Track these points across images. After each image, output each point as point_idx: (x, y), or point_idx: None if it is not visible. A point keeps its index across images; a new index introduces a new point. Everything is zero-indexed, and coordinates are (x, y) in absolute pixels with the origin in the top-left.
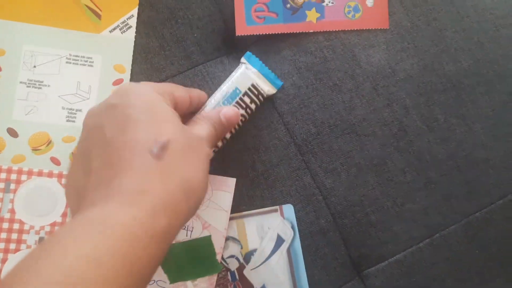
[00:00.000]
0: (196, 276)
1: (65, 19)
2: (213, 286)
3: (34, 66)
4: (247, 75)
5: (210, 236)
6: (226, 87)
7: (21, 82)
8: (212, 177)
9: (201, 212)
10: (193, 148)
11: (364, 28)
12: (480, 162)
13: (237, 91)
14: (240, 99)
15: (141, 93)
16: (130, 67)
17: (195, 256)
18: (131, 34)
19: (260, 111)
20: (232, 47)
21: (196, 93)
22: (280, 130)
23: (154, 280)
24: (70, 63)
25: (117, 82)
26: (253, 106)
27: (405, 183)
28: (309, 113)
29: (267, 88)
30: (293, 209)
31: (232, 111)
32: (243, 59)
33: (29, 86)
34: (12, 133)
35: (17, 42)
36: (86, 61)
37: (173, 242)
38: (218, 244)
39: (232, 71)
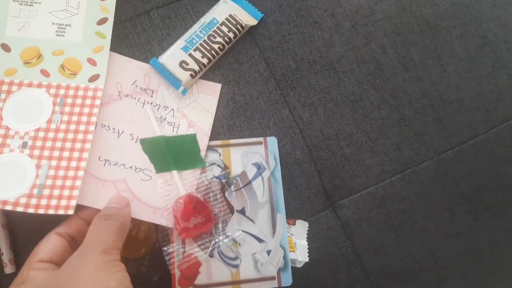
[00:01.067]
0: (181, 169)
1: None
2: (196, 178)
3: None
4: (225, 7)
5: (195, 134)
6: (203, 18)
7: (13, 0)
8: (199, 81)
9: (188, 112)
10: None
11: None
12: (453, 101)
13: (215, 21)
14: (218, 28)
15: None
16: None
17: (180, 151)
18: None
19: (242, 46)
20: None
21: (87, 212)
22: (260, 65)
23: (141, 169)
24: None
25: None
26: (231, 34)
27: (379, 119)
28: (290, 49)
29: (246, 19)
30: (276, 142)
31: (116, 196)
32: None
33: (21, 4)
34: (5, 48)
35: None
36: None
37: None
38: (202, 142)
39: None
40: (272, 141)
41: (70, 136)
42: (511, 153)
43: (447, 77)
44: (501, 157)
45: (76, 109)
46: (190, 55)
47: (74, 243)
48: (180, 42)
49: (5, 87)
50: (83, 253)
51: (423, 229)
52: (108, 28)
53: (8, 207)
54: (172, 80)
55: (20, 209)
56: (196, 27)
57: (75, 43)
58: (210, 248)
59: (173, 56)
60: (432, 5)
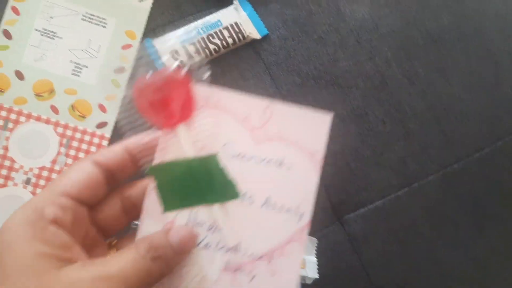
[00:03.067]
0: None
1: None
2: None
3: (51, 17)
4: (233, 13)
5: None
6: (209, 17)
7: (36, 30)
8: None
9: None
10: None
11: None
12: (457, 114)
13: (219, 23)
14: (219, 30)
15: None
16: (141, 35)
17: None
18: (148, 4)
19: (247, 62)
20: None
21: (133, 142)
22: (266, 81)
23: None
24: (85, 20)
25: (126, 46)
26: (230, 40)
27: (384, 133)
28: (294, 65)
29: (250, 31)
30: None
31: (187, 233)
32: (235, 1)
33: (43, 35)
34: (19, 75)
35: None
36: (100, 22)
37: None
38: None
39: None
40: None
41: None
42: None
43: (451, 90)
44: (506, 170)
45: (81, 154)
46: (184, 47)
47: (111, 179)
48: (179, 32)
49: (13, 116)
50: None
51: (429, 241)
52: (124, 78)
53: None
54: (159, 65)
55: None
56: (199, 23)
57: (89, 85)
58: None
59: (167, 42)
60: (436, 19)
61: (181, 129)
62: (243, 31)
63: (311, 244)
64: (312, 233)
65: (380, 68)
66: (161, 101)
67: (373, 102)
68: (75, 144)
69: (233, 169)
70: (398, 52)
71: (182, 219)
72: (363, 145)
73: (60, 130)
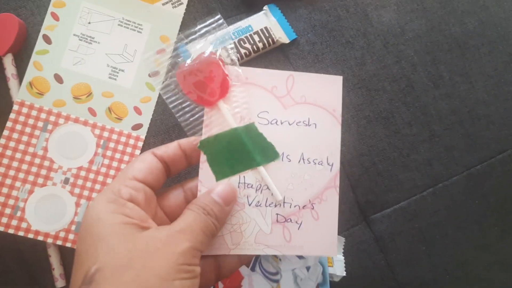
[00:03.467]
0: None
1: None
2: None
3: (89, 23)
4: (263, 18)
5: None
6: (240, 22)
7: (74, 35)
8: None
9: None
10: (146, 258)
11: None
12: (481, 117)
13: (249, 28)
14: (250, 35)
15: (86, 215)
16: (175, 40)
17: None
18: (181, 10)
19: (276, 66)
20: (250, 6)
21: (186, 141)
22: None
23: None
24: (122, 26)
25: (160, 51)
26: (260, 45)
27: (410, 135)
28: (323, 68)
29: (279, 35)
30: None
31: (226, 188)
32: (265, 7)
33: (81, 40)
34: (58, 79)
35: None
36: (136, 27)
37: None
38: None
39: None
40: None
41: (109, 180)
42: None
43: (476, 93)
44: None
45: (117, 155)
46: (216, 51)
47: (167, 169)
48: (211, 37)
49: (52, 118)
50: (170, 240)
51: (453, 241)
52: (158, 82)
53: (49, 240)
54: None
55: (59, 242)
56: (230, 28)
57: (125, 89)
58: (252, 262)
59: (200, 46)
60: (461, 24)
61: (222, 104)
62: (273, 36)
63: (339, 242)
64: (339, 231)
65: (406, 71)
66: (202, 81)
67: (399, 105)
68: (111, 145)
69: (270, 133)
70: (424, 56)
71: (233, 183)
72: (390, 147)
73: (97, 131)
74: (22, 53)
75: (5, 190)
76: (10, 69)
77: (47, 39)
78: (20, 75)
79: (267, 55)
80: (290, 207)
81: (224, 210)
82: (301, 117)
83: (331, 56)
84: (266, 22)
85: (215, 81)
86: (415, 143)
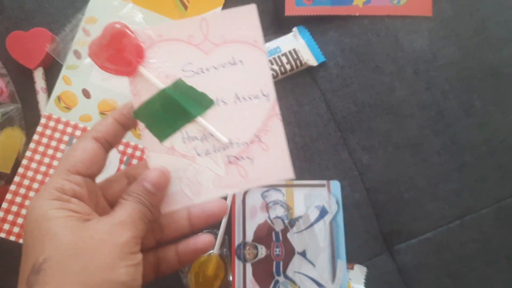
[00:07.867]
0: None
1: (156, 3)
2: None
3: None
4: (292, 40)
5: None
6: (269, 43)
7: None
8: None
9: None
10: (92, 248)
11: (408, 15)
12: None
13: (278, 49)
14: (278, 56)
15: (30, 211)
16: None
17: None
18: None
19: (303, 88)
20: (280, 27)
21: (119, 114)
22: (321, 107)
23: None
24: None
25: None
26: (288, 67)
27: (439, 164)
28: (350, 92)
29: (307, 58)
30: (339, 186)
31: (158, 174)
32: (294, 29)
33: None
34: (86, 94)
35: (108, 14)
36: None
37: None
38: None
39: None
40: (335, 185)
41: None
42: None
43: (509, 124)
44: None
45: None
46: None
47: (109, 148)
48: None
49: (78, 132)
50: (113, 231)
51: (481, 276)
52: None
53: None
54: None
55: None
56: None
57: None
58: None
59: None
60: (496, 51)
61: (142, 69)
62: (301, 58)
63: (361, 272)
64: (361, 260)
65: (437, 99)
66: (114, 54)
67: (428, 132)
68: (134, 162)
69: (199, 83)
70: (456, 84)
71: (178, 141)
72: (418, 175)
73: (121, 147)
74: (52, 67)
75: (27, 202)
76: (40, 82)
77: (77, 55)
78: (49, 88)
79: (294, 77)
80: (238, 146)
81: (157, 197)
82: (225, 58)
83: (360, 80)
84: (295, 44)
85: (127, 50)
86: (444, 172)
